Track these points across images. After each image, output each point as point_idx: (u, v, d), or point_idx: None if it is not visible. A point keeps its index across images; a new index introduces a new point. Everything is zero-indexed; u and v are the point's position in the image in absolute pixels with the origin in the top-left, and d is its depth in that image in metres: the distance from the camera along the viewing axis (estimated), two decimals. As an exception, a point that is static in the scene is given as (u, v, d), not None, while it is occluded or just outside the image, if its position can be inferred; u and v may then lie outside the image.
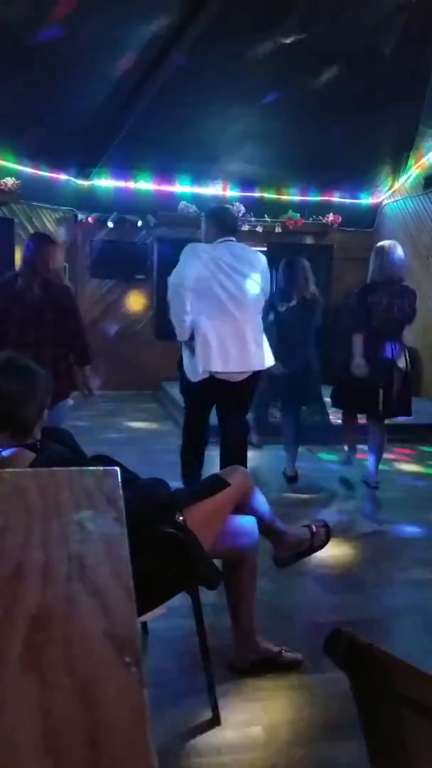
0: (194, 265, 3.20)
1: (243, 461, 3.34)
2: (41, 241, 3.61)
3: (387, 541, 3.45)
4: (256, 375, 3.40)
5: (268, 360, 3.45)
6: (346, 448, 4.59)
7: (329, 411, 4.55)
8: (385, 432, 4.24)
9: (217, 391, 3.35)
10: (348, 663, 0.75)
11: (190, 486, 2.97)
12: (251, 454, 3.82)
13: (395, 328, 4.03)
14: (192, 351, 3.27)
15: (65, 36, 5.55)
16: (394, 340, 4.04)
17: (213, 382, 3.27)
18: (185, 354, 3.38)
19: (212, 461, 3.57)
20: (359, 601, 2.69)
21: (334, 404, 4.40)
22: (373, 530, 3.55)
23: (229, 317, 3.24)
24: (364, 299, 4.04)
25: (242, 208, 8.37)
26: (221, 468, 3.24)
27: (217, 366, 3.23)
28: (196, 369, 3.27)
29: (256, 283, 3.34)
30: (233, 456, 3.34)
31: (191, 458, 3.52)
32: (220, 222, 3.42)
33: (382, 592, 2.76)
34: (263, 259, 3.46)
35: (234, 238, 3.43)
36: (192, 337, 3.24)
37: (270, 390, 4.28)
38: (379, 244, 4.24)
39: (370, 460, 4.28)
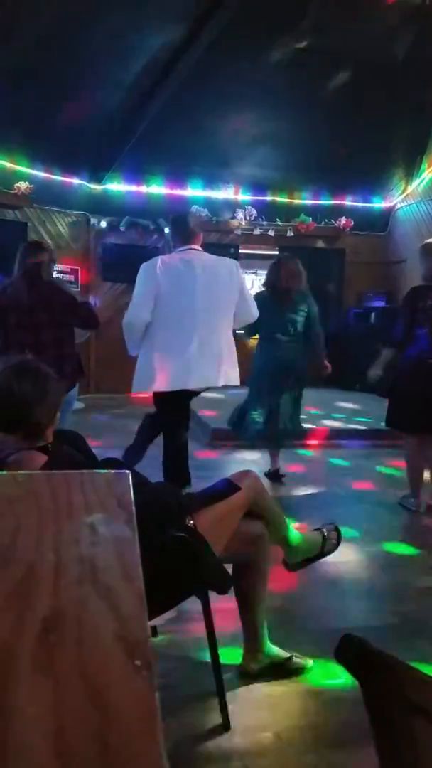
0: (148, 291, 3.18)
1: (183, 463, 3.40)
2: (32, 247, 3.71)
3: (402, 547, 3.43)
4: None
5: (233, 378, 3.30)
6: (409, 492, 3.87)
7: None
8: None
9: (173, 400, 3.34)
10: (359, 669, 0.75)
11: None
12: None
13: None
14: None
15: (79, 41, 5.59)
16: None
17: (177, 396, 3.28)
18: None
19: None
20: (370, 607, 2.67)
21: (390, 424, 3.92)
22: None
23: (177, 332, 3.17)
24: (414, 304, 3.65)
25: (254, 212, 8.38)
26: (165, 471, 3.30)
27: (147, 386, 3.26)
28: (137, 381, 3.33)
29: (221, 294, 3.21)
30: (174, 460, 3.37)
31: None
32: (180, 228, 3.35)
33: (393, 599, 2.74)
34: (236, 271, 3.32)
35: (197, 246, 3.30)
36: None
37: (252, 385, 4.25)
38: (429, 241, 3.83)
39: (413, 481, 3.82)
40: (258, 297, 3.80)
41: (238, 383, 3.42)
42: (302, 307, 4.13)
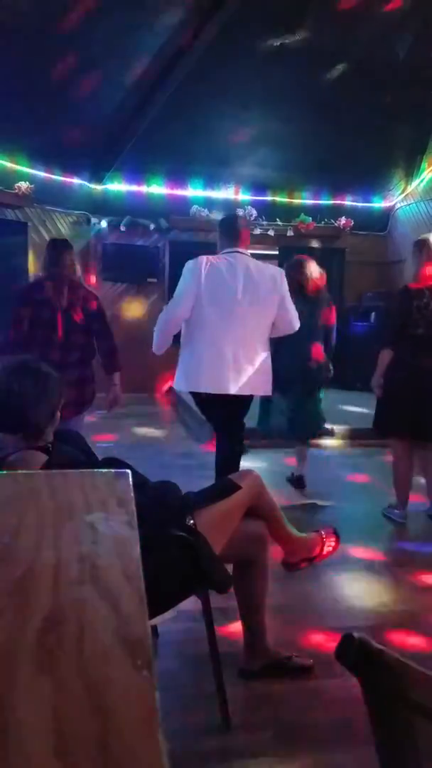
0: (190, 289, 3.10)
1: (236, 465, 3.27)
2: (62, 246, 3.60)
3: (400, 547, 3.43)
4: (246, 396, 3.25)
5: (263, 388, 3.24)
6: (394, 499, 3.73)
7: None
8: None
9: (210, 403, 3.28)
10: (360, 669, 0.75)
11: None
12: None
13: None
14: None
15: (79, 41, 5.59)
16: None
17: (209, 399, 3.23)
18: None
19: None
20: (371, 606, 2.67)
21: (379, 430, 3.83)
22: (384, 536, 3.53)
23: (215, 334, 3.11)
24: (408, 303, 3.54)
25: (254, 212, 8.38)
26: (216, 472, 3.26)
27: (185, 386, 3.24)
28: (178, 380, 3.29)
29: (263, 303, 3.13)
30: (225, 465, 3.24)
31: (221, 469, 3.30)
32: (228, 230, 3.29)
33: (394, 598, 2.74)
34: (282, 280, 3.20)
35: (243, 249, 3.23)
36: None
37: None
38: (423, 236, 3.73)
39: None
40: None
41: (269, 393, 3.34)
42: (325, 307, 4.15)
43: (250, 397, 3.30)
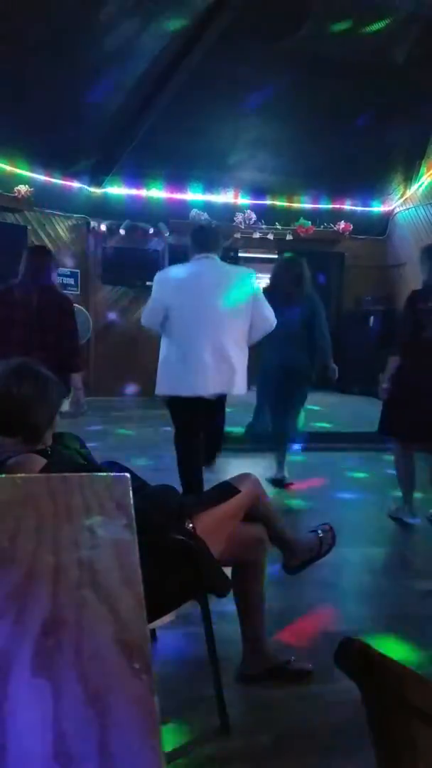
0: (158, 302, 3.27)
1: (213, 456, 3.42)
2: (39, 252, 3.83)
3: (399, 551, 3.43)
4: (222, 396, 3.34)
5: (237, 387, 3.26)
6: (394, 505, 3.74)
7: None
8: None
9: (186, 407, 3.32)
10: (359, 673, 0.74)
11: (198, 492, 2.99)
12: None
13: None
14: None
15: (79, 45, 5.61)
16: None
17: (185, 404, 3.28)
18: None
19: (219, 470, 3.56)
20: (369, 610, 2.67)
21: (383, 432, 3.75)
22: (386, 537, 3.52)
23: (190, 338, 3.19)
24: (414, 306, 3.53)
25: (253, 216, 8.39)
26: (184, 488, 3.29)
27: (166, 389, 3.30)
28: (159, 384, 3.36)
29: (230, 302, 3.20)
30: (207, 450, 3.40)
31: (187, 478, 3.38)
32: (195, 239, 3.38)
33: (392, 602, 2.74)
34: (247, 275, 3.32)
35: (213, 255, 3.30)
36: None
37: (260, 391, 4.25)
38: (430, 244, 3.76)
39: None
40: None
41: (244, 392, 3.37)
42: (305, 309, 4.10)
43: (222, 399, 3.37)
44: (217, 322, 3.19)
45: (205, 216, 8.13)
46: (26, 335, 3.47)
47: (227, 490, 1.97)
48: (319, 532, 2.22)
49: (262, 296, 3.32)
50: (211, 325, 3.19)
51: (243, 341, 3.29)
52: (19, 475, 1.46)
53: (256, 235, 8.44)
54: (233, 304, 3.21)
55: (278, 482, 4.32)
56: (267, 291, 4.13)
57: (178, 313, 3.22)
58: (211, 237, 3.40)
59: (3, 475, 1.47)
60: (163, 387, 3.33)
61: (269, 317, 3.31)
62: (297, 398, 4.29)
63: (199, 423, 3.38)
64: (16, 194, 7.21)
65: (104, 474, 1.08)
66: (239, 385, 3.27)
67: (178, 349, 3.24)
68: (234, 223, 8.31)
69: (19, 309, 3.50)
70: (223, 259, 3.46)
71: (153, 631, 2.14)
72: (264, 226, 8.45)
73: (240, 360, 3.26)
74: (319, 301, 4.27)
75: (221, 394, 3.29)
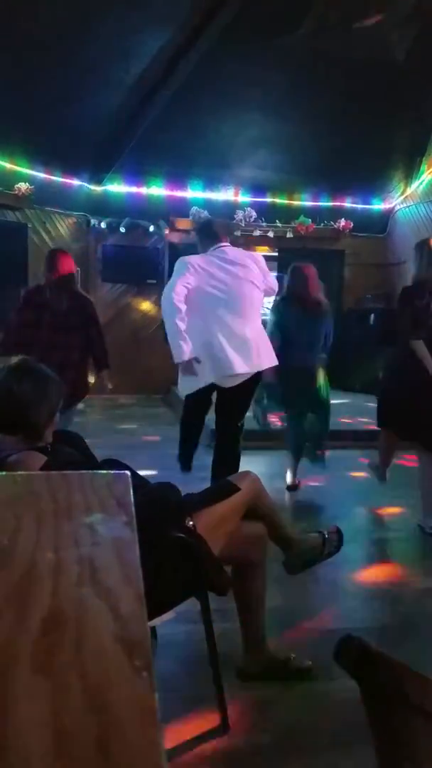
0: (184, 278, 3.29)
1: (235, 467, 3.30)
2: (63, 256, 3.95)
3: (401, 548, 3.43)
4: (254, 379, 3.40)
5: (268, 360, 3.44)
6: (375, 464, 4.02)
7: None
8: None
9: (211, 397, 3.46)
10: (359, 671, 0.74)
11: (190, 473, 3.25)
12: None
13: None
14: (185, 371, 3.34)
15: (80, 43, 5.60)
16: None
17: (207, 389, 3.39)
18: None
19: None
20: (370, 608, 2.67)
21: (380, 422, 3.85)
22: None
23: (225, 322, 3.30)
24: (410, 302, 3.50)
25: (253, 214, 8.38)
26: (212, 474, 3.28)
27: (210, 377, 3.33)
28: (183, 385, 3.43)
29: (251, 284, 3.39)
30: (224, 462, 3.37)
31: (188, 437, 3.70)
32: (207, 232, 3.55)
33: (394, 600, 2.74)
34: (260, 258, 3.55)
35: (226, 243, 3.51)
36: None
37: (270, 395, 4.21)
38: (426, 239, 3.71)
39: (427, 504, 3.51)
40: (282, 305, 4.05)
41: (276, 363, 3.49)
42: (327, 317, 4.21)
43: (256, 378, 3.43)
44: (246, 302, 3.36)
45: (205, 214, 8.12)
46: (50, 336, 3.62)
47: (228, 487, 1.96)
48: (325, 533, 2.20)
49: (267, 270, 3.56)
50: (240, 306, 3.34)
51: (260, 315, 3.51)
52: (19, 472, 1.46)
53: (257, 232, 8.44)
54: (252, 285, 3.40)
55: (296, 487, 4.27)
56: (284, 298, 4.14)
57: (202, 301, 3.29)
58: (222, 225, 3.67)
59: (3, 473, 1.47)
60: (195, 381, 3.36)
61: (274, 286, 3.62)
62: (323, 402, 4.27)
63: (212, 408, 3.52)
64: (17, 192, 7.20)
65: (104, 471, 1.08)
66: (266, 361, 3.42)
67: (202, 337, 3.28)
68: (234, 221, 8.30)
69: (48, 311, 3.66)
70: None
71: (153, 629, 2.14)
72: (264, 224, 8.45)
73: (263, 337, 3.46)
74: (328, 303, 4.31)
75: (251, 371, 3.36)
